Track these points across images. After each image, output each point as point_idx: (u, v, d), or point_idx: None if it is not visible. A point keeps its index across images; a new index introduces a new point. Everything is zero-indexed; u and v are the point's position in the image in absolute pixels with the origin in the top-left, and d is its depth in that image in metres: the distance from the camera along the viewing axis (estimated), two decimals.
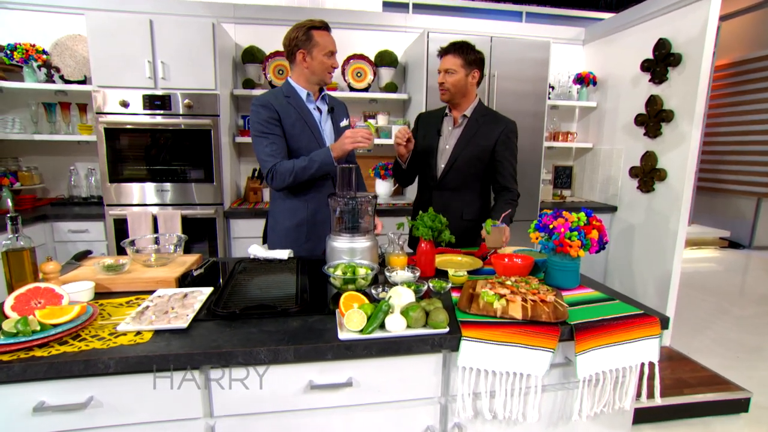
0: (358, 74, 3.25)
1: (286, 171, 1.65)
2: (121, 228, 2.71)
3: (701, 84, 2.55)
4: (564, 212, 1.38)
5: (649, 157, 2.92)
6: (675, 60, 2.69)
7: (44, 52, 2.87)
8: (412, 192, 3.21)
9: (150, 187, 2.76)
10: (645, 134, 2.95)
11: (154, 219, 2.72)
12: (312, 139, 1.74)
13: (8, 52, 2.79)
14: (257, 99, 1.72)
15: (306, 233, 1.78)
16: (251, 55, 3.14)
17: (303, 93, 1.77)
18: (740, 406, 2.28)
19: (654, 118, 2.86)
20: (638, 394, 1.24)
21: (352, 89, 3.27)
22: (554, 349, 1.10)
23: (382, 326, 1.09)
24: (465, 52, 1.83)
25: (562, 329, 1.13)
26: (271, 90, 1.80)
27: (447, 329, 1.09)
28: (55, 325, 1.02)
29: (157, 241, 1.61)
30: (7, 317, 1.04)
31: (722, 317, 3.43)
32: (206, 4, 3.09)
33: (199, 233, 2.83)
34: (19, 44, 2.80)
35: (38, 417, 0.96)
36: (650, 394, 1.23)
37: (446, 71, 1.85)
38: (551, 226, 1.35)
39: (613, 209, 3.30)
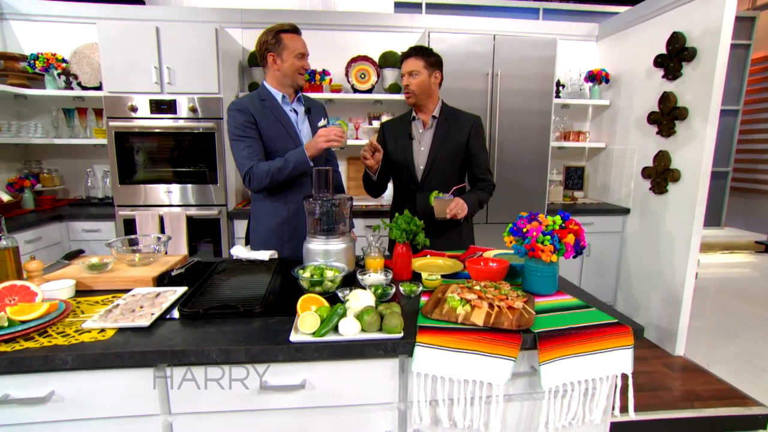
0: (362, 76, 3.25)
1: (263, 172, 1.67)
2: (130, 228, 2.82)
3: (717, 79, 2.40)
4: (540, 215, 1.33)
5: (662, 157, 2.77)
6: (689, 54, 2.54)
7: (63, 60, 3.03)
8: None
9: (157, 188, 2.85)
10: (658, 133, 2.81)
11: (161, 219, 2.82)
12: (289, 141, 1.76)
13: (31, 61, 2.96)
14: (233, 104, 1.75)
15: (288, 233, 1.80)
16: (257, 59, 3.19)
17: (278, 96, 1.78)
18: (757, 422, 2.14)
19: (667, 116, 2.71)
20: (612, 408, 1.18)
21: (356, 91, 3.27)
22: (515, 357, 1.06)
23: (336, 329, 1.08)
24: (426, 54, 1.87)
25: (525, 337, 1.09)
26: (247, 94, 1.83)
27: (401, 334, 1.07)
28: (23, 322, 1.06)
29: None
30: None
31: (753, 326, 3.21)
32: (213, 10, 3.18)
33: (203, 233, 2.91)
34: (41, 54, 2.97)
35: (2, 409, 1.01)
36: (624, 409, 1.17)
37: (410, 74, 1.87)
38: (524, 230, 1.31)
39: (625, 211, 3.15)
